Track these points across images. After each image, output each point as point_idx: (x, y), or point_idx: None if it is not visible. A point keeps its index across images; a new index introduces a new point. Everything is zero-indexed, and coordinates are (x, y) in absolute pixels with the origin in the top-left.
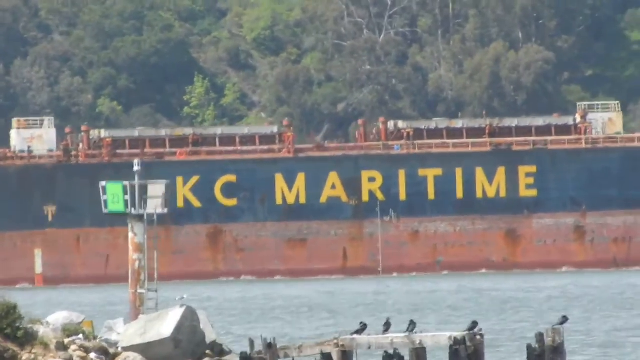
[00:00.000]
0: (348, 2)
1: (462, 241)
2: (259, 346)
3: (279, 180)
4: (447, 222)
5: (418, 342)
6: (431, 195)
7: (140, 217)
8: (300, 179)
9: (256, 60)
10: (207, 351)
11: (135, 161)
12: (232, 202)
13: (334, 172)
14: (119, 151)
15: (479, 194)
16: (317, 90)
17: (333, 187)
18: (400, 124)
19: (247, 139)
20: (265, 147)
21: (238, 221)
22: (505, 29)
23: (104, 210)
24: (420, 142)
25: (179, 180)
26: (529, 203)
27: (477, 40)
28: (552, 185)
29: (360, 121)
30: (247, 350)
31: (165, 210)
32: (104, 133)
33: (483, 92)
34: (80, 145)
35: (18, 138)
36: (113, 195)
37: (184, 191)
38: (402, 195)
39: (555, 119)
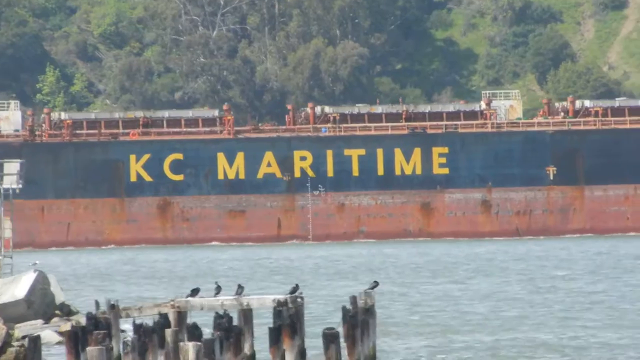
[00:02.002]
0: (185, 1)
1: (382, 213)
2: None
3: (221, 158)
4: (369, 196)
5: (245, 304)
6: (355, 172)
7: None
8: (240, 157)
9: (102, 53)
10: (57, 311)
11: None
12: (179, 177)
13: (270, 151)
14: (77, 131)
15: (398, 172)
16: (156, 80)
17: (269, 164)
18: (327, 109)
19: (192, 122)
20: (208, 129)
21: (184, 194)
22: (325, 27)
23: None
24: (345, 125)
25: (132, 157)
26: (442, 180)
27: (299, 37)
28: (462, 164)
29: (289, 106)
30: (93, 310)
31: (20, 186)
32: (64, 115)
33: (305, 82)
34: (43, 125)
35: None
36: None
37: (137, 167)
38: (330, 172)
39: (463, 106)
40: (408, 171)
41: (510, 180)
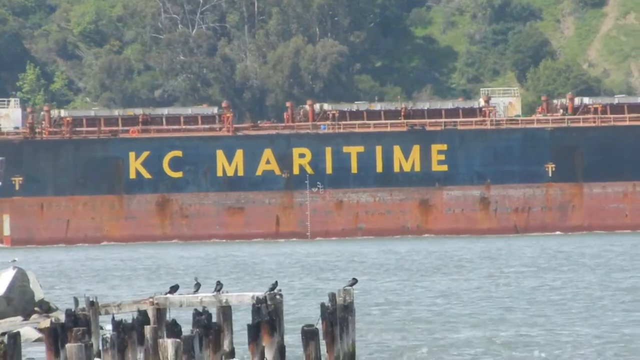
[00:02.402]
0: None
1: (381, 210)
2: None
3: (220, 156)
4: (368, 193)
5: (224, 301)
6: (354, 169)
7: None
8: (239, 155)
9: (82, 51)
10: (36, 308)
11: None
12: (178, 175)
13: (269, 148)
14: (77, 129)
15: (397, 169)
16: (136, 77)
17: (268, 162)
18: (326, 106)
19: (191, 119)
20: (207, 126)
21: (183, 191)
22: (304, 25)
23: None
24: (344, 122)
25: (132, 154)
26: (440, 177)
27: (279, 35)
28: (461, 161)
29: (288, 103)
30: (72, 307)
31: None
32: (63, 113)
33: (284, 80)
34: (43, 123)
35: None
36: None
37: (136, 164)
38: (329, 169)
39: (461, 103)
40: (407, 168)
41: (509, 177)
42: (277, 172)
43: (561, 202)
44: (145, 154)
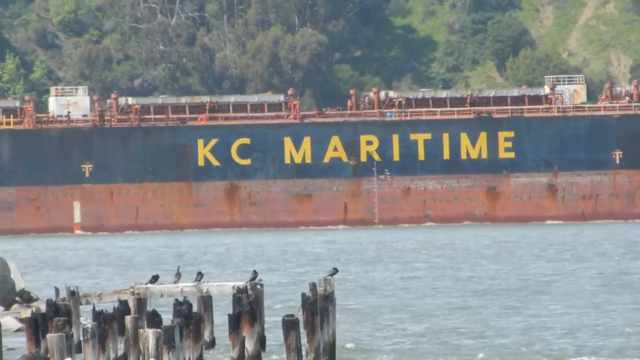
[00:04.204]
0: None
1: (448, 197)
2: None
3: (288, 143)
4: (435, 180)
5: (205, 291)
6: (421, 156)
7: None
8: (306, 142)
9: (62, 40)
10: (17, 298)
11: None
12: (246, 162)
13: (336, 136)
14: (146, 116)
15: (464, 156)
16: (116, 67)
17: (335, 149)
18: (391, 93)
19: (257, 106)
20: (273, 114)
21: (252, 178)
22: (283, 14)
23: None
24: (410, 110)
25: (200, 142)
26: (507, 164)
27: (258, 24)
28: (528, 148)
29: (352, 91)
30: (53, 297)
31: None
32: (131, 100)
33: (264, 70)
34: (111, 110)
35: (56, 104)
36: None
37: (205, 152)
38: (396, 157)
39: (527, 90)
40: (474, 155)
41: (577, 165)
42: (345, 159)
43: (629, 189)
44: (214, 141)
